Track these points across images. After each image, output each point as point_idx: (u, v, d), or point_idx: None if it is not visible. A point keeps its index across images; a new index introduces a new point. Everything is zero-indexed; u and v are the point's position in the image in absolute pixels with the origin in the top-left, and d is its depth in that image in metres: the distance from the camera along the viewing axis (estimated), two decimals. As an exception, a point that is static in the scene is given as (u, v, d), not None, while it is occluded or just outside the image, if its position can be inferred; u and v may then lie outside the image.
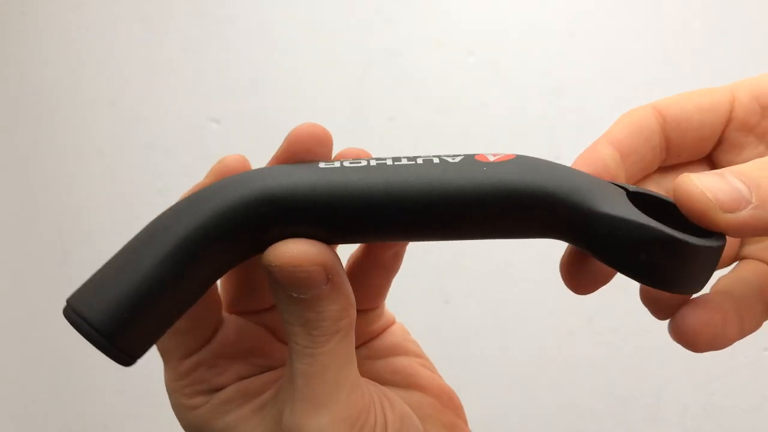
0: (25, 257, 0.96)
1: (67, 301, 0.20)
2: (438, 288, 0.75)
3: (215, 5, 0.84)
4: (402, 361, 0.28)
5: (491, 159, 0.21)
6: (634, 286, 0.23)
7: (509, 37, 0.75)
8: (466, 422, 0.28)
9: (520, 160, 0.21)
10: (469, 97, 0.75)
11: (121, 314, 0.18)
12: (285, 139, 0.22)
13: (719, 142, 0.25)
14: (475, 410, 0.84)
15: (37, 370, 0.96)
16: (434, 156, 0.21)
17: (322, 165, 0.21)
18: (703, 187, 0.19)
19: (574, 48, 0.74)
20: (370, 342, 0.28)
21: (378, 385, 0.26)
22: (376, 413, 0.23)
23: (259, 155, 0.96)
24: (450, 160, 0.21)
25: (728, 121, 0.24)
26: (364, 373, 0.26)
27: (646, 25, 0.72)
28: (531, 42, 0.75)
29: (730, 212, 0.19)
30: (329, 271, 0.21)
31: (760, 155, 0.24)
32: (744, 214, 0.19)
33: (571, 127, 0.73)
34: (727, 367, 0.69)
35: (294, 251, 0.20)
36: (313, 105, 0.80)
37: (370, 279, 0.26)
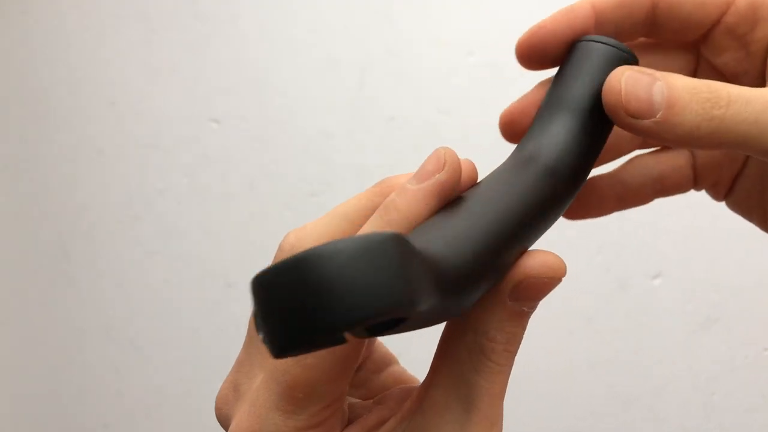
0: (25, 257, 0.96)
1: None
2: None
3: (215, 5, 0.84)
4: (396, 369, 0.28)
5: None
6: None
7: (509, 37, 0.75)
8: None
9: None
10: (469, 97, 0.75)
11: None
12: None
13: (704, 38, 0.25)
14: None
15: (37, 370, 0.96)
16: None
17: None
18: (624, 86, 0.21)
19: (574, 48, 0.74)
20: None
21: None
22: None
23: (259, 155, 0.95)
24: None
25: (717, 22, 0.24)
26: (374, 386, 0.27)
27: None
28: (531, 42, 0.75)
29: (633, 117, 0.20)
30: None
31: (737, 61, 0.24)
32: (645, 123, 0.20)
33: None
34: (727, 367, 0.69)
35: (553, 261, 0.21)
36: (313, 105, 0.80)
37: None
